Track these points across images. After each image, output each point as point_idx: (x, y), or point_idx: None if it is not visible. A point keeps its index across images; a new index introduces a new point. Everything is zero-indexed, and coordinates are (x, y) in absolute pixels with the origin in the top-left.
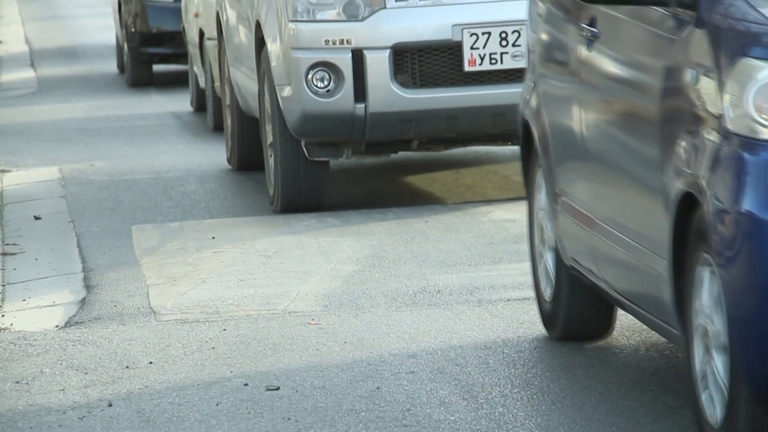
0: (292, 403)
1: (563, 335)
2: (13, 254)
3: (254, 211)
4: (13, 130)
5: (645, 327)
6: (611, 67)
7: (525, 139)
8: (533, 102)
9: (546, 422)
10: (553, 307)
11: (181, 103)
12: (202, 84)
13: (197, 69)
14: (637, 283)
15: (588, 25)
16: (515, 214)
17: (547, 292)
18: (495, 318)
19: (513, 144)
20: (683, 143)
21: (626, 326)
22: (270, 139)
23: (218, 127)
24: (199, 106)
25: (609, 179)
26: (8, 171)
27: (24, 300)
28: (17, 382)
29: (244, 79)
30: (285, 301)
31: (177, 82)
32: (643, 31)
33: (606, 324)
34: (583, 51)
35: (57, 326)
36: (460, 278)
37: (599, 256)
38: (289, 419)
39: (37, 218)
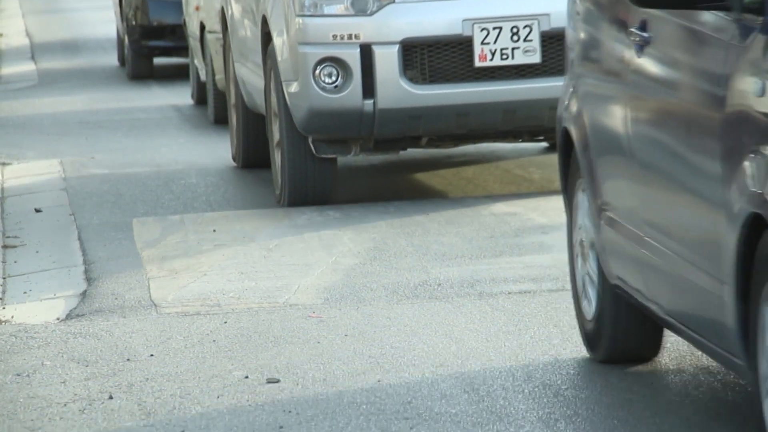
0: (293, 396)
1: (607, 357)
2: (14, 247)
3: (255, 204)
4: (13, 123)
5: None
6: (665, 74)
7: (564, 147)
8: (573, 107)
9: (547, 415)
10: (596, 327)
11: (181, 96)
12: (202, 77)
13: (198, 62)
14: (694, 307)
15: (638, 29)
16: (516, 207)
17: (589, 312)
18: (496, 311)
19: (524, 141)
20: (748, 159)
21: None
22: (277, 136)
23: (219, 120)
24: (200, 99)
25: (662, 194)
26: (9, 164)
27: (25, 293)
28: (18, 375)
29: (250, 75)
30: (286, 293)
31: (178, 75)
32: (703, 38)
33: (654, 345)
34: (632, 56)
35: (58, 319)
36: (461, 271)
37: (649, 276)
38: (290, 412)
39: (37, 211)
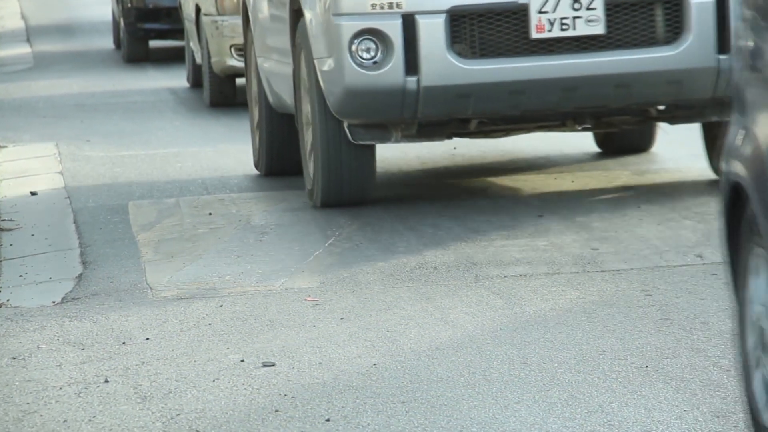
0: (289, 380)
1: None
2: (10, 230)
3: (251, 187)
4: (9, 105)
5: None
6: None
7: (730, 206)
8: (749, 154)
9: (543, 398)
10: None
11: (177, 79)
12: (198, 60)
13: (194, 45)
14: None
15: None
16: (512, 190)
17: None
18: (492, 294)
19: (585, 128)
20: None
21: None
22: (308, 124)
23: (214, 104)
24: (196, 82)
25: None
26: (5, 147)
27: (20, 276)
28: (14, 358)
29: (276, 67)
30: (282, 277)
31: (173, 58)
32: None
33: None
34: None
35: (53, 302)
36: (457, 255)
37: None
38: (285, 395)
39: (33, 194)
